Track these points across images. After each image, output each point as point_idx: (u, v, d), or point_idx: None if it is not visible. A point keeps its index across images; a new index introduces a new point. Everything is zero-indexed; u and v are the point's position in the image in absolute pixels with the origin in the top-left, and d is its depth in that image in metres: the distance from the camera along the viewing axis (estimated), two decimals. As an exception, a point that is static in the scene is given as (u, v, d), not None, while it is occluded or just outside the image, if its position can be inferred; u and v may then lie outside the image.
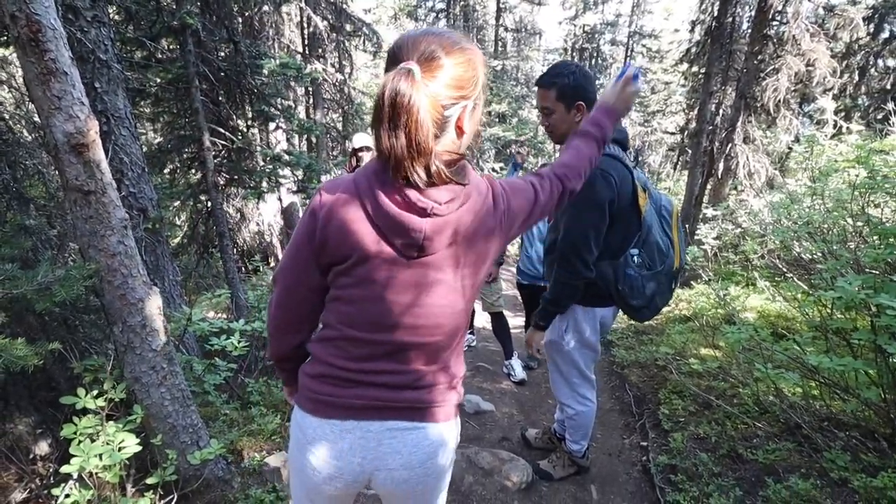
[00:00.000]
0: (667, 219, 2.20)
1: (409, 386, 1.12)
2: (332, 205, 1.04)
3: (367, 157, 5.14)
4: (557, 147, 2.36)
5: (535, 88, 2.18)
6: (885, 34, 10.96)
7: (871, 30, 10.86)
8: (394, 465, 1.12)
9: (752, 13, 9.48)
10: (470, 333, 5.11)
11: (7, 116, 2.99)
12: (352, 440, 1.11)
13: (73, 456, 1.78)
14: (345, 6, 10.72)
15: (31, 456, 2.51)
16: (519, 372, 4.26)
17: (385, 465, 1.12)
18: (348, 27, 10.87)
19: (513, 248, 11.25)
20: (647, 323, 5.23)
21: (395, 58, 0.97)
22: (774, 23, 9.03)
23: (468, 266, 1.11)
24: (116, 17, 4.81)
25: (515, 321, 5.59)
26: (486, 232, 1.10)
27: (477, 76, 1.02)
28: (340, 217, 1.03)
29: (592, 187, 1.94)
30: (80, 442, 1.83)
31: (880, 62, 11.23)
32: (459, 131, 1.04)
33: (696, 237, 7.63)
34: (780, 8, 8.70)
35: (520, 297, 4.52)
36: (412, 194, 0.99)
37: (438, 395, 1.15)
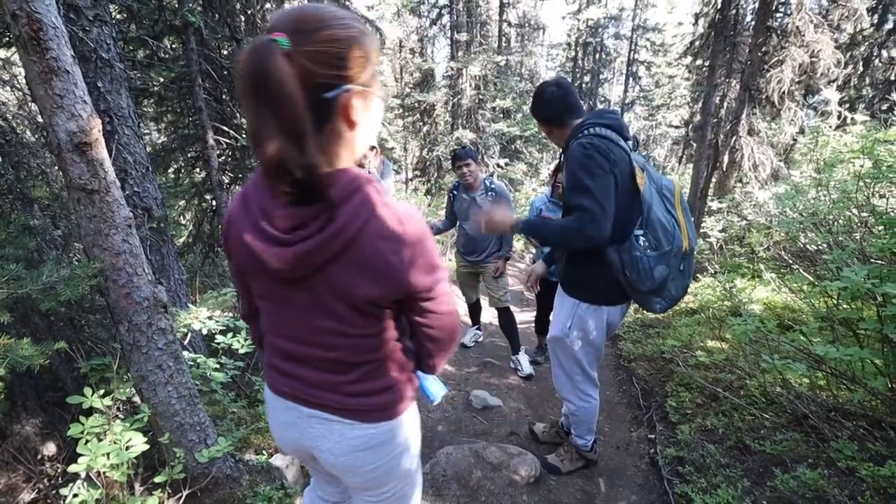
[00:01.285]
0: (669, 198, 2.18)
1: (325, 388, 1.11)
2: (229, 216, 1.05)
3: (372, 157, 5.14)
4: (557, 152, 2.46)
5: None
6: (890, 24, 10.85)
7: (876, 20, 10.76)
8: (323, 447, 1.16)
9: (756, 5, 9.40)
10: (477, 329, 5.11)
11: (10, 117, 3.00)
12: (290, 416, 1.18)
13: (81, 455, 1.78)
14: (347, 3, 10.71)
15: (39, 456, 2.53)
16: (526, 367, 4.26)
17: (317, 445, 1.16)
18: (350, 24, 10.85)
19: (519, 243, 11.23)
20: (652, 316, 5.22)
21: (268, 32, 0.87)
22: (778, 14, 8.96)
23: (341, 296, 0.99)
24: (118, 15, 4.82)
25: (522, 316, 5.59)
26: (355, 269, 0.95)
27: (366, 58, 0.91)
28: (233, 231, 1.03)
29: (591, 159, 1.97)
30: (87, 441, 1.83)
31: (884, 53, 11.12)
32: (350, 123, 0.93)
33: (701, 230, 7.61)
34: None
35: (525, 292, 4.52)
36: (266, 221, 0.94)
37: (355, 399, 1.11)
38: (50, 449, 2.55)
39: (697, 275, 6.32)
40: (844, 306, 2.71)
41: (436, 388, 1.38)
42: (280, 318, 1.09)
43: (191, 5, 4.63)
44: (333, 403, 1.11)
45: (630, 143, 2.15)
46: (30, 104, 3.60)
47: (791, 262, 4.42)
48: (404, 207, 0.98)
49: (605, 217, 1.94)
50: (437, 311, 1.08)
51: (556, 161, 2.50)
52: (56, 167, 2.85)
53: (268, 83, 0.80)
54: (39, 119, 3.08)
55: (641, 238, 2.07)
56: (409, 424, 1.22)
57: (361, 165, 5.22)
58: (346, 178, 0.94)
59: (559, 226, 2.09)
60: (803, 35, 8.31)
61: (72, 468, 1.77)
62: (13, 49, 3.37)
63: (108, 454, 1.81)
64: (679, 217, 2.18)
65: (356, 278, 0.95)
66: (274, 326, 1.13)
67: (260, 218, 0.95)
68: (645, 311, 2.77)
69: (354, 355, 1.08)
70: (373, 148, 5.08)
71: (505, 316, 4.25)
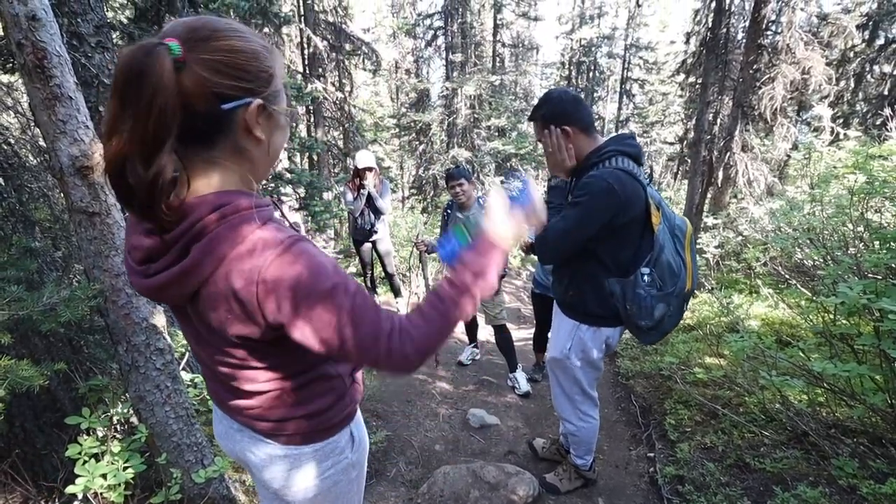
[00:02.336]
0: (680, 239, 2.16)
1: (246, 415, 1.08)
2: None
3: (370, 178, 5.19)
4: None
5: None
6: (881, 41, 11.05)
7: (866, 37, 10.96)
8: (252, 461, 1.15)
9: (746, 23, 9.58)
10: (474, 347, 5.10)
11: (13, 141, 3.03)
12: (225, 427, 1.19)
13: (79, 476, 1.78)
14: (344, 26, 10.88)
15: (37, 478, 2.51)
16: (523, 385, 4.25)
17: (247, 459, 1.16)
18: (348, 47, 11.01)
19: (515, 261, 11.26)
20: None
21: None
22: (769, 32, 9.12)
23: (213, 330, 0.91)
24: (120, 41, 4.89)
25: (519, 334, 5.58)
26: (218, 307, 0.85)
27: (270, 73, 0.86)
28: None
29: (593, 198, 1.93)
30: (85, 462, 1.83)
31: (876, 68, 11.31)
32: (254, 139, 0.87)
33: (698, 245, 7.64)
34: (773, 18, 8.81)
35: (522, 309, 4.52)
36: (127, 250, 0.90)
37: (282, 425, 1.07)
38: (47, 470, 2.53)
39: (695, 291, 6.32)
40: (842, 322, 2.72)
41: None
42: (188, 336, 1.04)
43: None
44: (256, 428, 1.10)
45: (645, 172, 2.12)
46: (32, 129, 3.64)
47: (788, 277, 4.44)
48: (274, 238, 0.84)
49: (558, 252, 2.10)
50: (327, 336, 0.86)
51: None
52: (58, 190, 2.88)
53: (140, 83, 0.72)
54: (42, 143, 3.11)
55: (647, 276, 2.04)
56: (340, 447, 1.17)
57: (361, 186, 5.26)
58: (209, 206, 0.82)
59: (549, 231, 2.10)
60: (794, 52, 8.46)
61: (69, 489, 1.77)
62: (16, 75, 3.42)
63: (105, 475, 1.81)
64: (687, 259, 2.16)
65: (222, 315, 0.86)
66: (190, 343, 1.08)
67: (127, 246, 0.92)
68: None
69: (245, 383, 1.01)
70: (370, 169, 5.14)
71: (501, 334, 4.25)
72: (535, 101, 2.24)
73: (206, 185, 0.86)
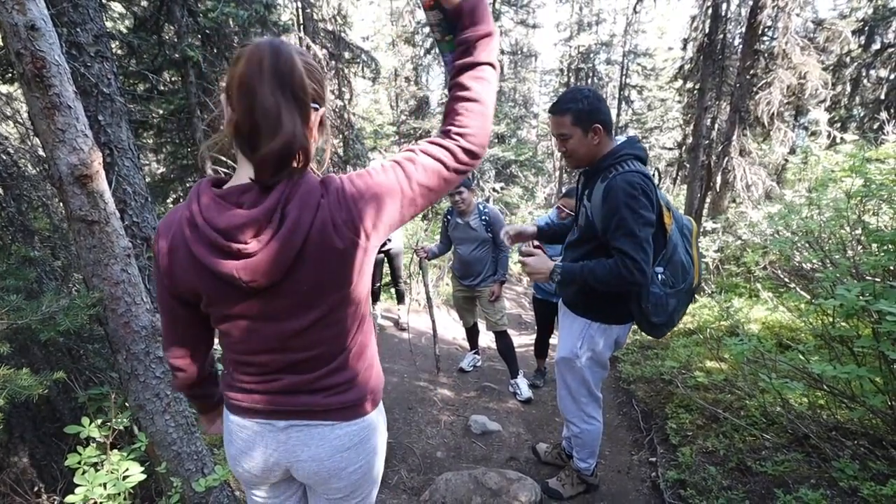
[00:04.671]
0: (688, 238, 2.24)
1: (302, 391, 1.12)
2: (170, 243, 1.03)
3: None
4: (556, 168, 2.38)
5: (549, 116, 2.20)
6: (877, 45, 11.09)
7: (862, 41, 11.00)
8: (303, 456, 1.16)
9: (743, 30, 9.64)
10: (475, 353, 5.09)
11: (12, 151, 3.04)
12: (261, 436, 1.17)
13: (78, 486, 1.77)
14: (343, 34, 10.92)
15: (36, 488, 2.50)
16: (525, 391, 4.24)
17: (296, 457, 1.17)
18: (347, 55, 11.05)
19: (516, 267, 11.24)
20: (650, 338, 5.21)
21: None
22: (765, 38, 9.18)
23: (316, 288, 1.03)
24: (119, 51, 4.92)
25: (520, 340, 5.57)
26: (322, 259, 0.99)
27: (325, 88, 1.03)
28: (181, 257, 1.02)
29: (637, 200, 1.94)
30: (84, 471, 1.82)
31: (872, 73, 11.35)
32: (313, 137, 1.03)
33: (698, 247, 7.64)
34: (769, 23, 8.86)
35: (523, 315, 4.51)
36: (223, 237, 0.95)
37: (336, 397, 1.14)
38: (47, 480, 2.52)
39: (695, 295, 6.32)
40: (841, 324, 2.72)
41: None
42: (252, 334, 1.08)
43: (189, 40, 4.74)
44: (313, 406, 1.12)
45: (653, 175, 2.13)
46: (32, 138, 3.65)
47: (787, 280, 4.44)
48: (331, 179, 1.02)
49: (648, 264, 1.96)
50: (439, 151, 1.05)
51: (571, 184, 2.33)
52: (57, 199, 2.89)
53: (292, 73, 0.90)
54: (41, 152, 3.12)
55: (661, 275, 2.11)
56: (381, 421, 1.27)
57: None
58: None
59: (603, 272, 2.00)
60: (790, 58, 8.50)
61: (69, 499, 1.76)
62: (16, 85, 3.44)
63: (105, 484, 1.80)
64: (694, 255, 2.25)
65: (323, 266, 1.00)
66: (244, 344, 1.10)
67: (217, 237, 0.95)
68: (643, 333, 2.77)
69: (334, 344, 1.11)
70: None
71: (502, 340, 4.25)
72: (535, 108, 2.24)
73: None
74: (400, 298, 6.12)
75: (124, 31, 5.13)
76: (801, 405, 2.93)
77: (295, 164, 0.96)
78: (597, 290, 2.09)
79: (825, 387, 2.62)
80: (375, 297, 6.30)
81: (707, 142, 10.59)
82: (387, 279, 6.30)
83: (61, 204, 1.76)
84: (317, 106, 0.98)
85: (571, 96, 2.10)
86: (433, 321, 4.76)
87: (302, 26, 10.10)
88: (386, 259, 5.62)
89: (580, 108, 2.06)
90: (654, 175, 2.12)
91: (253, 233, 0.94)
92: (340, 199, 0.99)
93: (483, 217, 3.98)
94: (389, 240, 5.26)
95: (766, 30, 8.99)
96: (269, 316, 1.04)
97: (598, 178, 2.10)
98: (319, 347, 1.09)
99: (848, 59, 11.18)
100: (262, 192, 0.95)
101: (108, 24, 5.06)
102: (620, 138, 2.17)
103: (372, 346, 1.22)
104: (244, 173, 0.99)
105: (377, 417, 1.24)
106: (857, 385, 2.56)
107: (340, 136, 11.93)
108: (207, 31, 5.12)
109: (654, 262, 2.08)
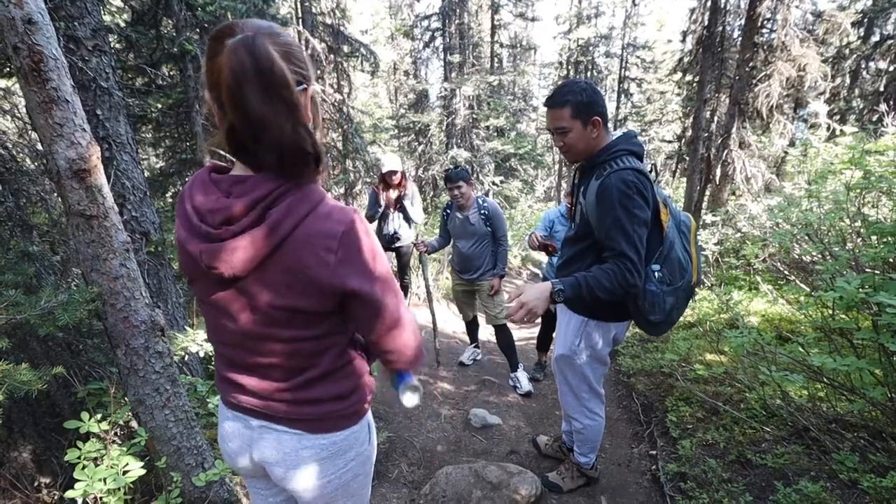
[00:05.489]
0: (686, 234, 2.18)
1: (271, 398, 1.10)
2: (177, 225, 1.04)
3: (407, 184, 5.06)
4: (555, 162, 2.36)
5: (546, 110, 2.13)
6: (876, 37, 11.07)
7: (861, 33, 10.98)
8: (272, 459, 1.14)
9: (742, 22, 9.60)
10: (475, 347, 5.10)
11: (10, 145, 3.03)
12: (239, 429, 1.17)
13: (78, 481, 1.77)
14: (342, 28, 10.87)
15: (36, 483, 2.50)
16: (525, 384, 4.25)
17: (266, 458, 1.15)
18: (346, 48, 11.00)
19: (515, 261, 11.25)
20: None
21: (222, 35, 0.88)
22: (764, 30, 9.13)
23: (275, 298, 0.99)
24: (117, 45, 4.89)
25: (519, 333, 5.58)
26: (286, 271, 0.96)
27: (310, 63, 0.98)
28: (178, 235, 1.02)
29: (632, 199, 1.91)
30: (84, 467, 1.82)
31: (872, 65, 11.33)
32: (307, 118, 0.98)
33: (697, 243, 7.64)
34: (768, 16, 8.82)
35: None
36: (198, 218, 0.96)
37: (305, 408, 1.11)
38: (46, 475, 2.52)
39: (695, 288, 6.32)
40: (840, 316, 2.72)
41: (407, 397, 1.28)
42: (220, 324, 1.07)
43: (188, 34, 4.71)
44: (280, 413, 1.10)
45: (650, 171, 2.10)
46: (30, 133, 3.64)
47: (787, 273, 4.45)
48: (341, 209, 0.98)
49: (642, 264, 1.94)
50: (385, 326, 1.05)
51: (570, 181, 2.25)
52: (55, 194, 2.88)
53: (273, 72, 0.85)
54: (39, 147, 3.11)
55: (657, 272, 2.05)
56: (364, 435, 1.22)
57: (388, 190, 5.01)
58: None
59: (604, 279, 1.93)
60: (789, 50, 8.48)
61: (68, 494, 1.76)
62: (14, 79, 3.42)
63: (104, 479, 1.80)
64: (692, 252, 2.19)
65: (288, 280, 0.96)
66: (216, 333, 1.11)
67: (194, 217, 0.97)
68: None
69: (296, 361, 1.07)
70: (395, 173, 4.98)
71: (502, 333, 4.25)
72: (535, 101, 2.20)
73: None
74: (404, 293, 6.12)
75: (122, 24, 5.09)
76: (801, 397, 2.93)
77: (303, 166, 0.95)
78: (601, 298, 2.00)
79: (825, 379, 2.62)
80: None
81: (706, 134, 10.56)
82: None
83: (60, 198, 1.75)
84: (305, 86, 0.95)
85: (569, 88, 2.04)
86: (433, 315, 4.76)
87: (301, 19, 10.05)
88: (396, 255, 5.58)
89: (579, 101, 2.00)
90: (650, 171, 2.09)
91: (222, 219, 0.93)
92: (340, 242, 0.96)
93: (482, 211, 3.97)
94: (399, 237, 5.23)
95: (765, 22, 8.95)
96: (232, 312, 1.03)
97: (594, 174, 2.06)
98: (281, 358, 1.06)
99: (847, 51, 11.17)
100: (253, 186, 0.94)
101: (106, 17, 5.02)
102: (617, 133, 2.14)
103: (357, 372, 1.17)
104: (241, 167, 0.99)
105: (358, 433, 1.19)
106: (857, 377, 2.57)
107: (339, 129, 11.90)
108: (206, 25, 5.08)
109: (651, 259, 2.05)
